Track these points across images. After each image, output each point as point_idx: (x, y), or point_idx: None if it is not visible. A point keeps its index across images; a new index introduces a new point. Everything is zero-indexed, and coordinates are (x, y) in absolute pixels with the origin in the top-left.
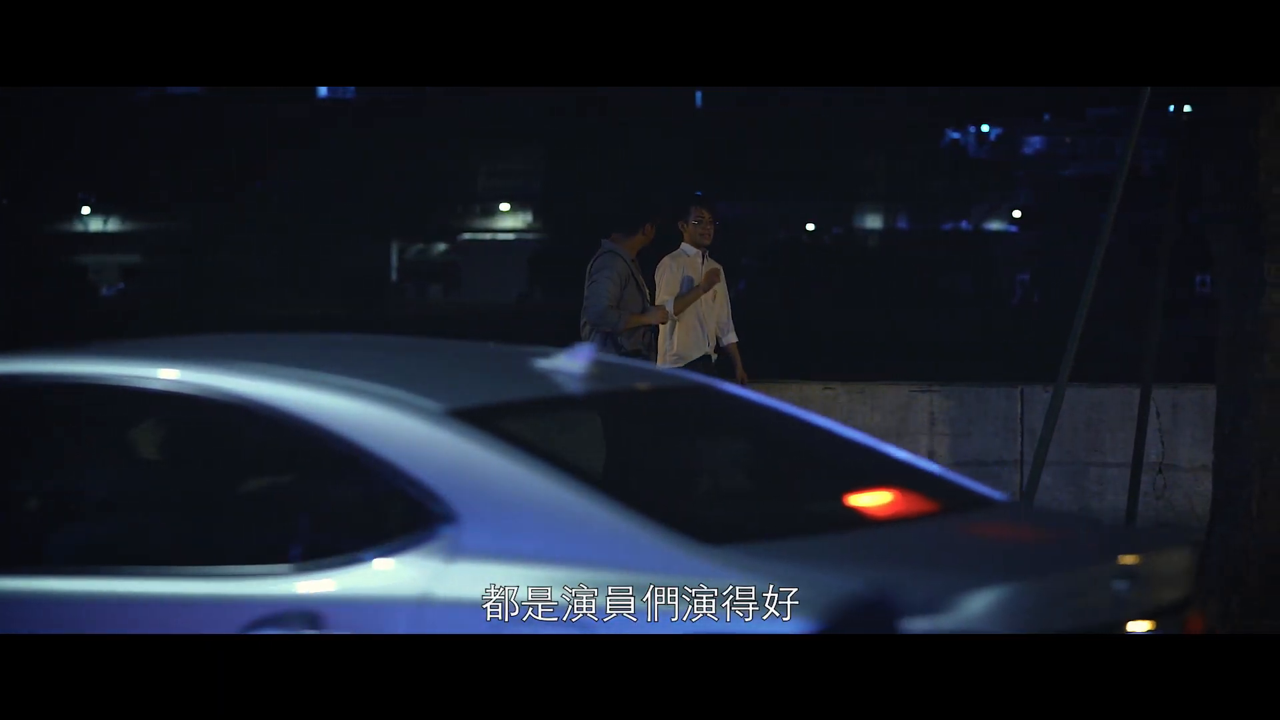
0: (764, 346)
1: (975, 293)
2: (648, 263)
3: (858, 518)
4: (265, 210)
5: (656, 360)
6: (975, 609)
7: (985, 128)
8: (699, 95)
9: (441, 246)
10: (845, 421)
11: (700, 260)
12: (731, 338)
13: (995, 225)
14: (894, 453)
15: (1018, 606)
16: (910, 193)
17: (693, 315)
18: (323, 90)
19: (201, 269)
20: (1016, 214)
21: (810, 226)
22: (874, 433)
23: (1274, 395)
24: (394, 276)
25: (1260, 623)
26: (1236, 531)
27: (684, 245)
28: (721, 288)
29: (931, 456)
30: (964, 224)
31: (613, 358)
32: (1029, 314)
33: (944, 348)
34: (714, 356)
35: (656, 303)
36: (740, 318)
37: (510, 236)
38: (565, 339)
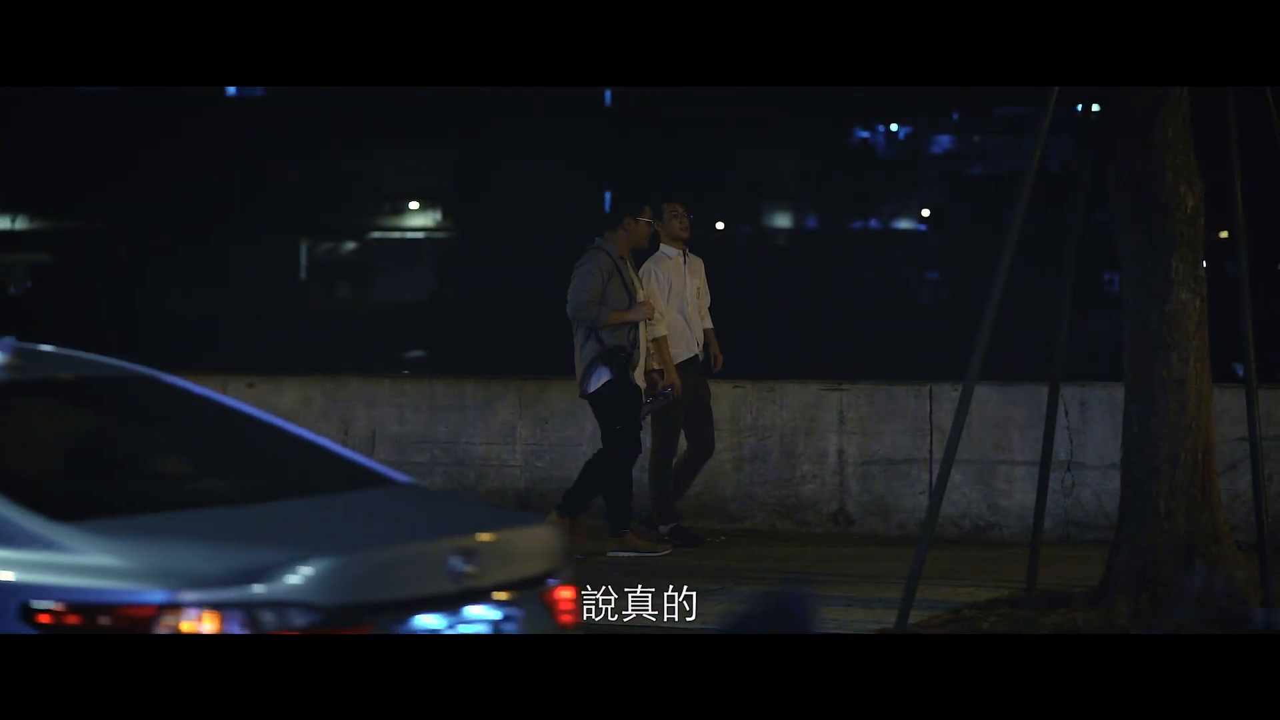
0: None
1: (884, 291)
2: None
3: (228, 496)
4: (174, 208)
5: (641, 358)
6: (294, 579)
7: (894, 127)
8: (608, 94)
9: (351, 245)
10: (754, 420)
11: (683, 259)
12: (707, 323)
13: (904, 224)
14: (315, 440)
15: (338, 577)
16: (819, 191)
17: (678, 318)
18: (231, 89)
19: (109, 268)
20: (925, 213)
21: (719, 225)
22: (783, 431)
23: (1181, 393)
24: (302, 275)
25: (1169, 620)
26: (1145, 529)
27: (663, 247)
28: (702, 282)
29: (840, 455)
30: (873, 223)
31: (46, 348)
32: (938, 313)
33: (853, 346)
34: (701, 357)
35: (656, 314)
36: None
37: (420, 235)
38: (476, 336)
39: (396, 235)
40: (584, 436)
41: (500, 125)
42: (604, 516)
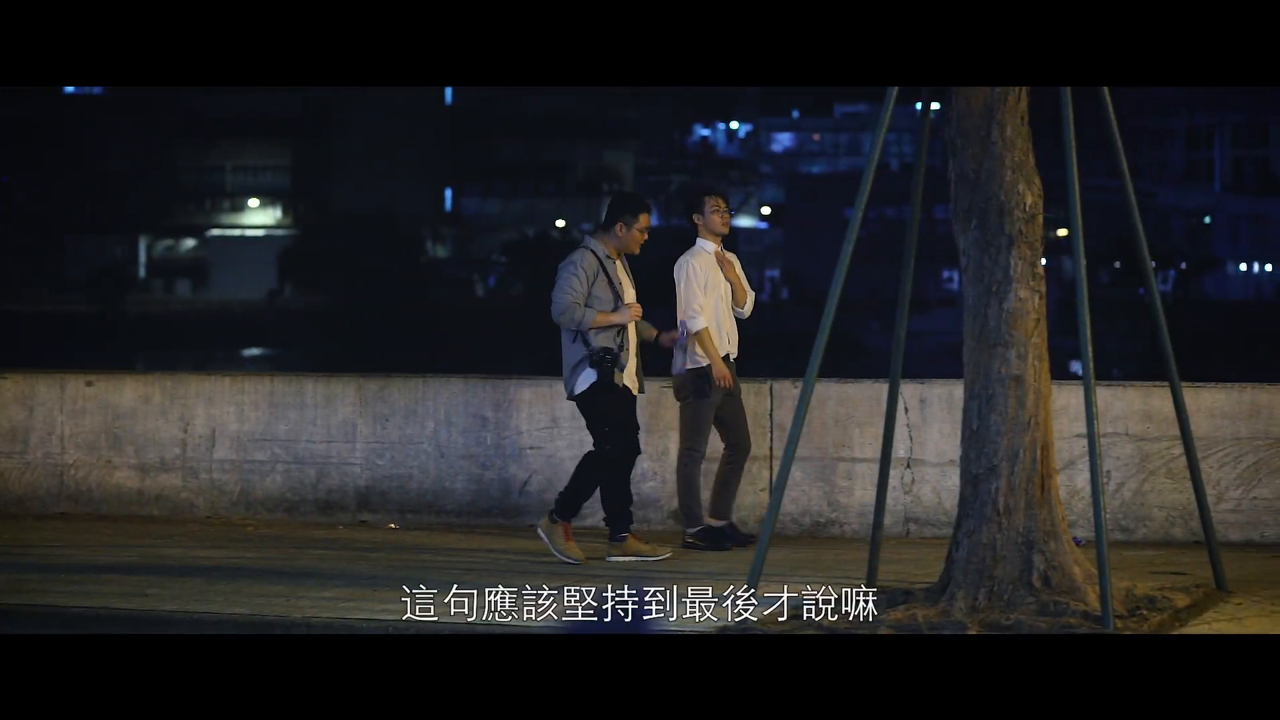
0: (516, 344)
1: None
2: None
3: None
4: (11, 205)
5: (628, 361)
6: None
7: (734, 124)
8: (449, 91)
9: (191, 242)
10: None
11: (719, 254)
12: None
13: (745, 222)
14: None
15: None
16: (660, 189)
17: (712, 319)
18: (69, 87)
19: None
20: (765, 210)
21: (560, 222)
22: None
23: (1020, 390)
24: (142, 273)
25: (1007, 616)
26: (983, 526)
27: (700, 240)
28: (738, 278)
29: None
30: None
31: None
32: (778, 310)
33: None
34: (734, 354)
35: (690, 307)
36: (490, 314)
37: (260, 233)
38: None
39: (236, 233)
40: (424, 434)
41: (341, 123)
42: (604, 521)
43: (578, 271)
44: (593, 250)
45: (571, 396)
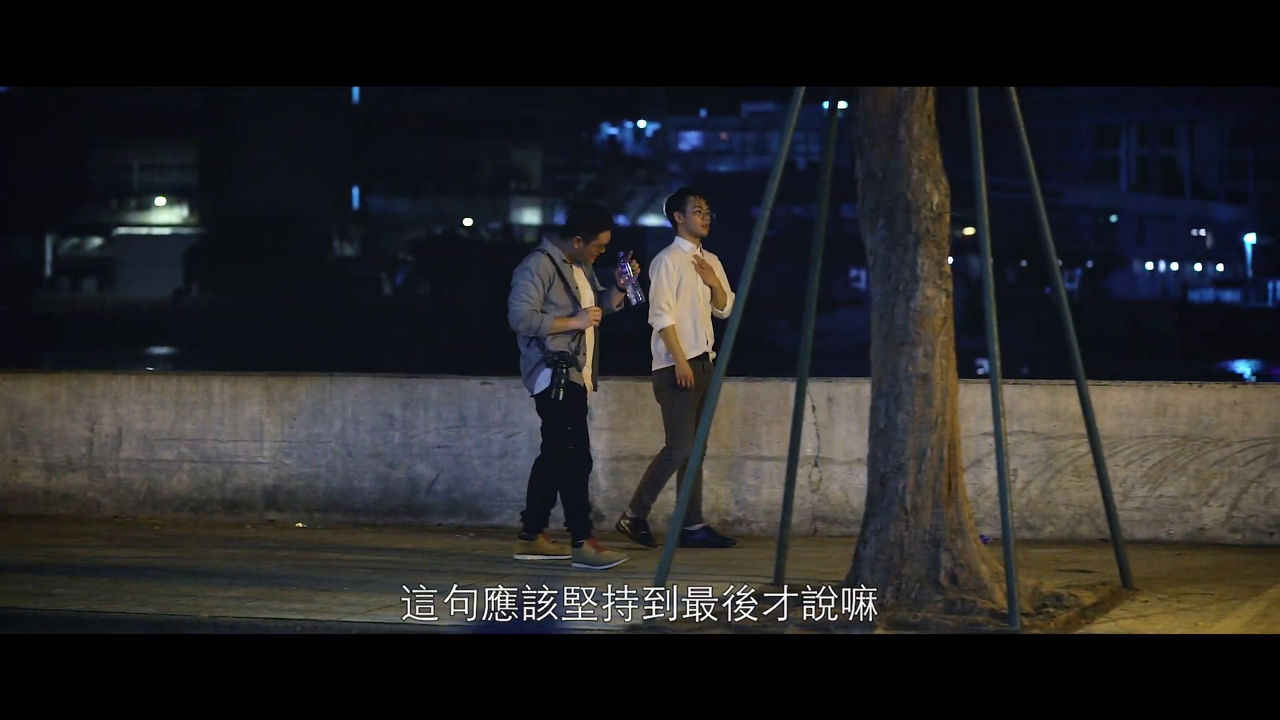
0: (423, 343)
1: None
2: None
3: None
4: None
5: (588, 360)
6: None
7: (642, 123)
8: (355, 90)
9: (97, 241)
10: (504, 416)
11: (697, 255)
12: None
13: (652, 221)
14: None
15: None
16: (567, 187)
17: (688, 318)
18: None
19: None
20: None
21: (468, 221)
22: (532, 427)
23: (927, 389)
24: (48, 271)
25: (915, 614)
26: (891, 523)
27: (678, 240)
28: (717, 280)
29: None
30: (621, 219)
31: None
32: None
33: (604, 340)
34: (712, 355)
35: (657, 304)
36: (396, 312)
37: (166, 231)
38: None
39: (143, 232)
40: (332, 433)
41: (247, 122)
42: (563, 522)
43: (533, 278)
44: (548, 254)
45: (532, 394)
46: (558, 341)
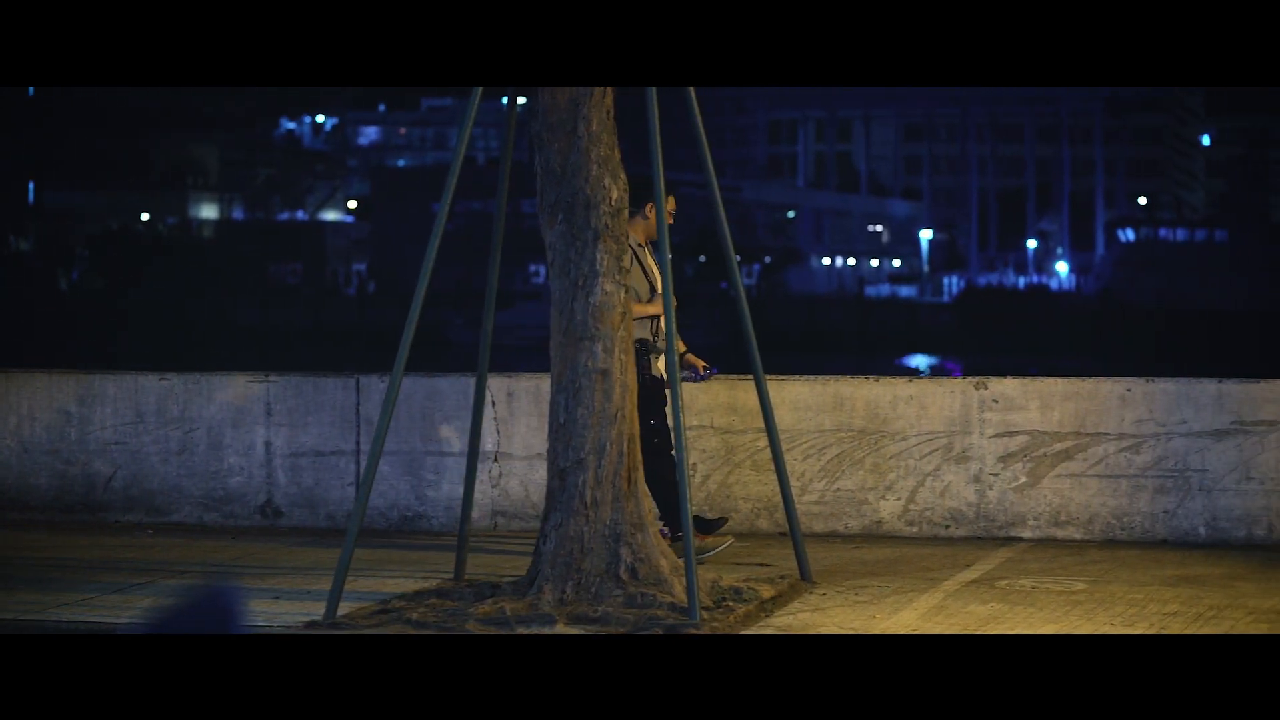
0: (100, 338)
1: (310, 283)
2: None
3: None
4: None
5: (664, 348)
6: None
7: (320, 117)
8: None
9: None
10: (182, 412)
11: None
12: None
13: (331, 216)
14: None
15: None
16: (245, 183)
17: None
18: None
19: None
20: (352, 204)
21: (144, 215)
22: (210, 423)
23: (606, 384)
24: None
25: (595, 609)
26: (571, 518)
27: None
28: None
29: (268, 448)
30: (300, 214)
31: None
32: (365, 304)
33: (280, 338)
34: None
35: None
36: (74, 308)
37: None
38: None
39: None
40: (7, 429)
41: None
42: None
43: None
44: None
45: None
46: (640, 329)
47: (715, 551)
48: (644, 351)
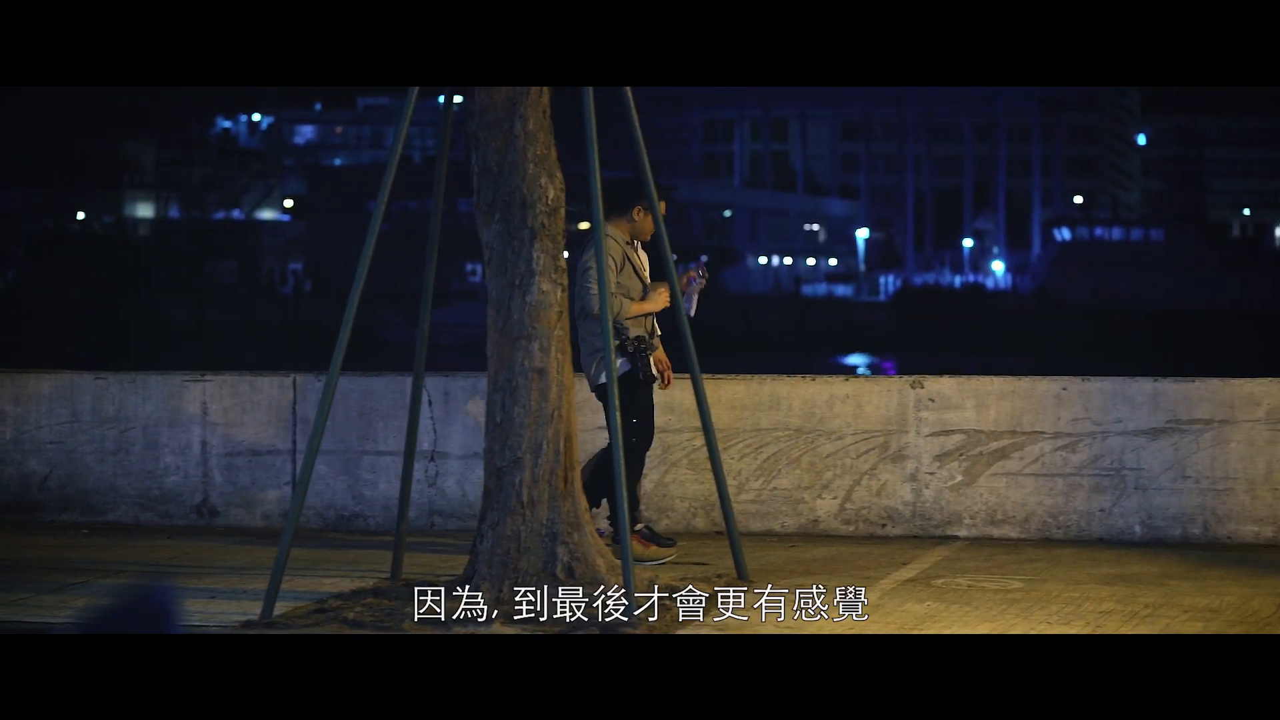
0: (35, 337)
1: (246, 282)
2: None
3: None
4: None
5: (656, 352)
6: None
7: (256, 116)
8: None
9: None
10: (118, 412)
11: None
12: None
13: (267, 214)
14: None
15: None
16: (181, 181)
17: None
18: None
19: None
20: (288, 203)
21: (80, 215)
22: (146, 423)
23: (543, 383)
24: None
25: (531, 607)
26: (508, 517)
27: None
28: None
29: (204, 447)
30: (236, 213)
31: None
32: (301, 303)
33: (216, 337)
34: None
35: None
36: (9, 307)
37: None
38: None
39: None
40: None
41: None
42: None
43: (609, 261)
44: (613, 238)
45: (595, 386)
46: (635, 325)
47: (655, 563)
48: (641, 349)
